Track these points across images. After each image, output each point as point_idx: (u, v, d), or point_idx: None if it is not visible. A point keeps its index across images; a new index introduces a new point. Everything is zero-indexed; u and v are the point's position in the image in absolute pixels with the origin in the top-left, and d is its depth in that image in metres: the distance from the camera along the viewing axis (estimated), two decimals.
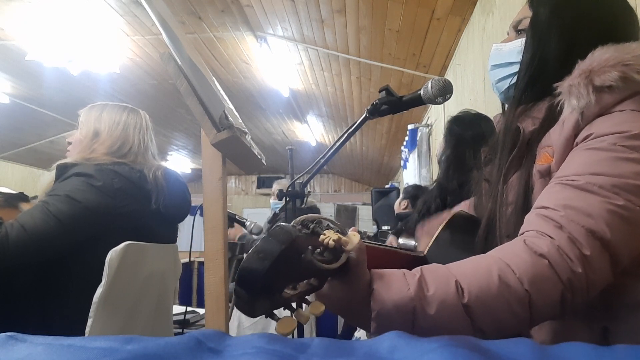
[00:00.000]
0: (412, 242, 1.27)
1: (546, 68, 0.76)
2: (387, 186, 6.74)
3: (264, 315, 0.52)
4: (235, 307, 0.52)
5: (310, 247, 0.54)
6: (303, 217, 0.57)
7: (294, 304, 0.55)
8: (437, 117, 3.97)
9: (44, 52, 3.60)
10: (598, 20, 0.75)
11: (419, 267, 0.59)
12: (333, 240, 0.53)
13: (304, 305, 0.57)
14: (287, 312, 0.55)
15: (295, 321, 0.53)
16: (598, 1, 0.77)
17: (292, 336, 1.44)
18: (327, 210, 9.00)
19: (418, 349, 0.40)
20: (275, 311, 0.53)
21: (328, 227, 0.57)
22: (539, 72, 0.76)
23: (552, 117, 0.73)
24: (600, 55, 0.67)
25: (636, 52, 0.65)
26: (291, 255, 0.50)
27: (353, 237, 0.56)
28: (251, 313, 0.51)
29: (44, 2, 3.19)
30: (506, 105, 0.86)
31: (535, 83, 0.77)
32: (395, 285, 0.57)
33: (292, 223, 0.55)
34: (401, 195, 2.98)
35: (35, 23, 3.42)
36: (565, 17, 0.76)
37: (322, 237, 0.53)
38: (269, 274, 0.48)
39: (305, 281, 0.55)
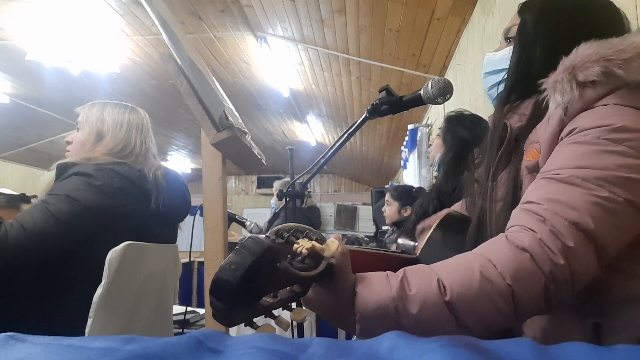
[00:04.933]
0: (411, 243, 1.26)
1: (531, 68, 0.77)
2: (387, 186, 6.73)
3: (243, 324, 0.52)
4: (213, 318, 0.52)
5: (289, 256, 0.54)
6: (279, 226, 0.58)
7: (275, 311, 0.55)
8: (437, 117, 3.97)
9: (44, 52, 3.60)
10: (582, 24, 0.76)
11: (402, 268, 0.60)
12: (306, 248, 0.53)
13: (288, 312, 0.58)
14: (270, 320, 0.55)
15: (274, 329, 0.53)
16: (583, 6, 0.79)
17: (292, 336, 1.44)
18: (327, 210, 9.01)
19: (418, 349, 0.40)
20: (258, 319, 0.53)
21: (306, 236, 0.57)
22: (524, 72, 0.78)
23: (538, 113, 0.74)
24: (584, 51, 0.68)
25: (618, 47, 0.66)
26: (265, 265, 0.50)
27: (331, 244, 0.57)
28: (228, 323, 0.51)
29: (44, 2, 3.19)
30: None
31: (521, 82, 0.79)
32: (377, 286, 0.57)
33: (267, 233, 0.55)
34: (396, 202, 2.90)
35: (35, 23, 3.41)
36: (550, 22, 0.78)
37: (295, 245, 0.54)
38: (241, 285, 0.48)
39: (287, 288, 0.56)
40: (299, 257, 0.55)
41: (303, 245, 0.53)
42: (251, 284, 0.49)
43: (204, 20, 3.51)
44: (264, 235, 0.53)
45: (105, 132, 1.37)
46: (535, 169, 0.71)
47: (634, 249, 0.62)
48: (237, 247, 0.51)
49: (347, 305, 0.58)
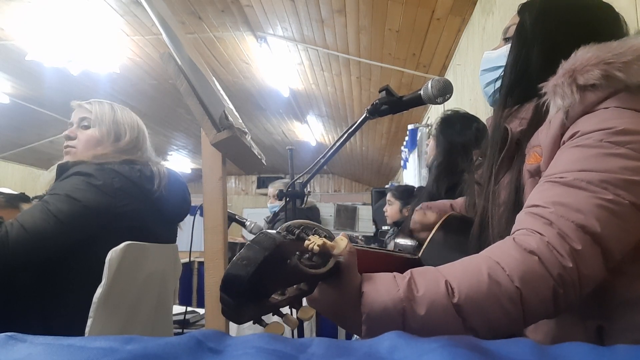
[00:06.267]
0: (409, 243, 1.26)
1: (529, 68, 0.77)
2: (387, 186, 6.73)
3: (251, 322, 0.52)
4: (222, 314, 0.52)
5: (298, 253, 0.54)
6: (289, 223, 0.57)
7: (283, 310, 0.55)
8: (437, 117, 3.96)
9: (44, 52, 3.60)
10: (581, 25, 0.76)
11: (409, 270, 0.60)
12: (317, 245, 0.53)
13: (293, 310, 0.58)
14: (278, 318, 0.55)
15: (283, 326, 0.53)
16: (582, 7, 0.79)
17: (293, 336, 1.44)
18: (327, 210, 9.00)
19: (418, 349, 0.40)
20: (265, 317, 0.53)
21: (315, 233, 0.57)
22: (522, 72, 0.78)
23: (538, 117, 0.74)
24: (583, 55, 0.68)
25: (617, 50, 0.66)
26: (276, 261, 0.50)
27: (340, 242, 0.56)
28: (237, 320, 0.51)
29: (44, 2, 3.18)
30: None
31: (519, 84, 0.79)
32: (384, 287, 0.57)
33: (277, 229, 0.55)
34: (398, 202, 2.93)
35: (35, 23, 3.41)
36: (549, 22, 0.78)
37: (306, 242, 0.53)
38: (252, 280, 0.48)
39: (294, 286, 0.56)
40: (307, 255, 0.55)
41: (314, 242, 0.53)
42: (262, 280, 0.49)
43: (204, 20, 3.51)
44: (275, 231, 0.53)
45: (122, 135, 1.39)
46: (537, 173, 0.71)
47: (638, 251, 0.62)
48: (248, 242, 0.51)
49: (353, 305, 0.57)
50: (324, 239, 0.54)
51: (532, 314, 0.57)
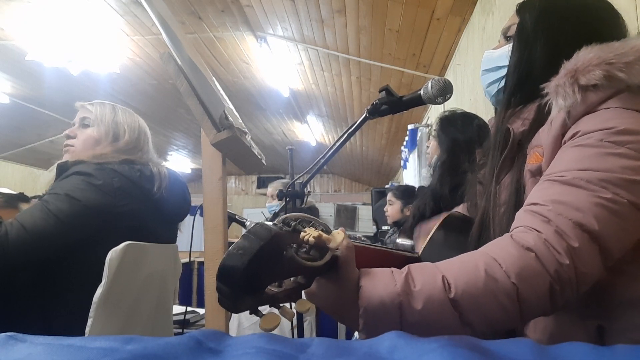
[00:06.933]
0: (409, 243, 1.27)
1: (532, 70, 0.78)
2: (387, 186, 6.73)
3: (248, 312, 0.52)
4: (218, 304, 0.52)
5: (295, 245, 0.54)
6: (286, 215, 0.58)
7: (280, 302, 0.55)
8: (437, 117, 3.96)
9: (44, 52, 3.60)
10: (582, 24, 0.77)
11: (407, 265, 0.60)
12: (313, 237, 0.53)
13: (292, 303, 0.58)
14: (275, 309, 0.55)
15: (279, 318, 0.53)
16: (582, 5, 0.79)
17: (292, 334, 1.44)
18: (327, 210, 9.01)
19: (418, 349, 0.40)
20: (262, 308, 0.53)
21: (312, 226, 0.57)
22: (525, 74, 0.79)
23: (540, 117, 0.74)
24: (585, 55, 0.68)
25: (619, 50, 0.66)
26: (272, 252, 0.50)
27: (337, 235, 0.56)
28: (234, 309, 0.51)
29: (44, 2, 3.19)
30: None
31: (523, 85, 0.79)
32: (382, 281, 0.58)
33: (273, 221, 0.55)
34: (399, 201, 2.94)
35: (35, 23, 3.41)
36: (550, 21, 0.78)
37: (302, 234, 0.54)
38: (248, 270, 0.48)
39: (292, 279, 0.56)
40: (305, 248, 0.55)
41: (310, 233, 0.53)
42: (258, 270, 0.49)
43: (204, 20, 3.51)
44: (271, 222, 0.53)
45: (122, 135, 1.40)
46: (538, 173, 0.71)
47: (637, 251, 0.62)
48: (245, 233, 0.51)
49: (351, 299, 0.58)
50: (320, 232, 0.54)
51: (529, 310, 0.57)
